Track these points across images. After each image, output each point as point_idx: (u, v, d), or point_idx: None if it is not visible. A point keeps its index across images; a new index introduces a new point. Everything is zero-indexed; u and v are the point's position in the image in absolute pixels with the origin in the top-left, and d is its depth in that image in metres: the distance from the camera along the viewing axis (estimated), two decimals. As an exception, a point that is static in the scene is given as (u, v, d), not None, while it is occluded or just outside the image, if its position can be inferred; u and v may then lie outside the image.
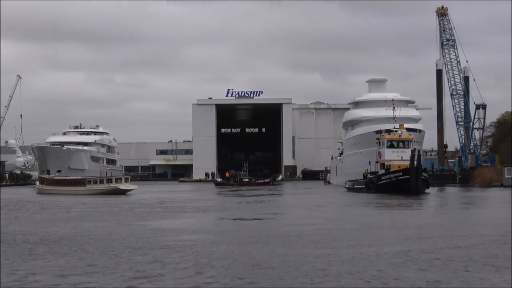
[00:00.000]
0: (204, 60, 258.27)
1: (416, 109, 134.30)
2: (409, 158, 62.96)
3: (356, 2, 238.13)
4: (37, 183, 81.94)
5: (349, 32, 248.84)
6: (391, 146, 67.12)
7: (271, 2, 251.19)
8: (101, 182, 71.66)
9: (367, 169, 72.60)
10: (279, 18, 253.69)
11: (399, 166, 63.91)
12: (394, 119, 77.05)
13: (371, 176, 67.06)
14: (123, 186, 69.71)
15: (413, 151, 63.13)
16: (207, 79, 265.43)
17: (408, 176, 61.24)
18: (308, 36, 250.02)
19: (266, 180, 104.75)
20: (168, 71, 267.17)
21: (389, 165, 65.41)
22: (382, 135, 70.11)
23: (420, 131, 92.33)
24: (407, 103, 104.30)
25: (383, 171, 65.79)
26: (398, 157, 65.72)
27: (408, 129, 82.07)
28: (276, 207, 46.97)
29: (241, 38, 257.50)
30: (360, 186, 69.20)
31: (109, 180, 72.07)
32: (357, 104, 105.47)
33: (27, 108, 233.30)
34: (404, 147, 66.86)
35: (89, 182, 71.64)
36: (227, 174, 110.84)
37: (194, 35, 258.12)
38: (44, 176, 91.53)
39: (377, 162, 68.79)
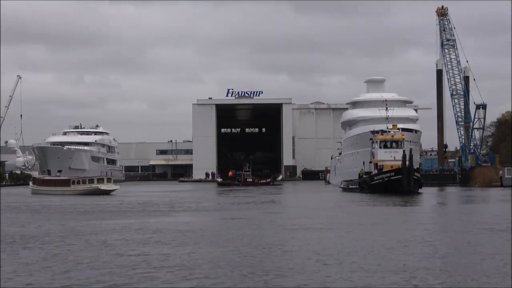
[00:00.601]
0: (172, 60, 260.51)
1: (415, 109, 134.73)
2: (394, 158, 63.77)
3: (309, 2, 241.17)
4: (31, 183, 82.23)
5: (306, 33, 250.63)
6: (384, 146, 67.30)
7: (226, 2, 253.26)
8: (84, 182, 71.23)
9: (362, 169, 72.74)
10: (235, 19, 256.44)
11: (391, 166, 64.02)
12: (387, 119, 77.30)
13: (365, 177, 67.28)
14: (104, 186, 69.25)
15: (404, 151, 63.26)
16: (179, 79, 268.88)
17: (400, 176, 61.27)
18: (269, 37, 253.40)
19: (267, 180, 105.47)
20: (139, 72, 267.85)
21: (382, 165, 65.54)
22: (376, 136, 70.33)
23: (416, 131, 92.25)
24: (405, 103, 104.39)
25: (376, 171, 66.00)
26: (391, 157, 65.87)
27: (404, 129, 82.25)
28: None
29: (203, 39, 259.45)
30: (354, 186, 69.53)
31: (91, 181, 71.48)
32: (354, 104, 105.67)
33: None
34: (397, 147, 66.99)
35: (73, 182, 71.58)
36: (229, 173, 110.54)
37: (157, 36, 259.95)
38: (36, 176, 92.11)
39: (370, 162, 69.00)
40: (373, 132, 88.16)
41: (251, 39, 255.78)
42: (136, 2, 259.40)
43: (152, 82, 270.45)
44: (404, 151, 63.69)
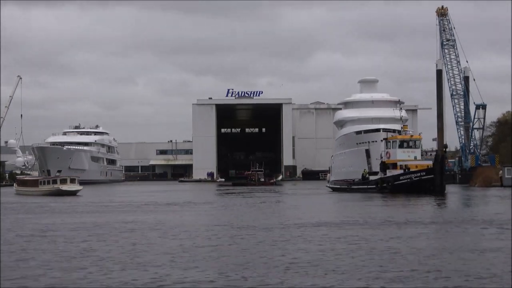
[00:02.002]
0: (96, 63, 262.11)
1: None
2: (417, 158, 63.42)
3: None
4: (15, 184, 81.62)
5: (215, 35, 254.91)
6: (402, 146, 66.77)
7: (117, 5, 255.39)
8: (49, 183, 70.09)
9: (365, 169, 72.34)
10: (135, 23, 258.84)
11: (416, 166, 63.67)
12: (371, 120, 77.36)
13: (385, 176, 65.68)
14: (65, 187, 67.83)
15: (437, 151, 63.06)
16: (114, 81, 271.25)
17: (431, 176, 60.55)
18: (175, 40, 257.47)
19: (274, 180, 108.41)
20: (64, 74, 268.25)
21: (406, 165, 64.70)
22: (393, 135, 69.96)
23: (399, 132, 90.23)
24: (396, 103, 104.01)
25: (395, 171, 65.02)
26: (410, 157, 65.46)
27: (384, 130, 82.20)
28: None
29: (113, 42, 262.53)
30: (345, 186, 68.60)
31: (54, 181, 70.00)
32: (346, 105, 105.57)
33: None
34: (414, 147, 66.76)
35: (41, 183, 70.50)
36: (246, 173, 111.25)
37: (77, 39, 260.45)
38: (18, 177, 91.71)
39: (383, 162, 68.14)
40: (358, 132, 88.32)
41: (156, 42, 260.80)
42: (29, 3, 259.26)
43: (89, 84, 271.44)
44: (437, 150, 63.47)
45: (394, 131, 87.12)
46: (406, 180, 62.54)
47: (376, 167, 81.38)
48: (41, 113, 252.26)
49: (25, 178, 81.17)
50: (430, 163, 66.20)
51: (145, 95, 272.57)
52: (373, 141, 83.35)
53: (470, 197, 58.10)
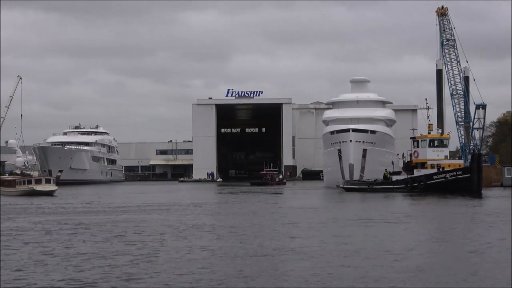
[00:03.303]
0: (27, 65, 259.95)
1: (416, 109, 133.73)
2: (446, 157, 64.29)
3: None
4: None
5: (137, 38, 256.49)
6: (431, 145, 66.56)
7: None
8: (24, 183, 68.85)
9: (387, 169, 71.93)
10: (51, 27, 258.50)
11: (449, 165, 63.56)
12: (351, 120, 77.33)
13: (415, 175, 65.32)
14: (39, 187, 66.78)
15: (474, 150, 63.19)
16: (50, 82, 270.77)
17: (468, 175, 60.34)
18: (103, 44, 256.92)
19: (284, 180, 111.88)
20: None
21: (439, 164, 64.42)
22: (421, 134, 69.78)
23: (373, 131, 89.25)
24: (383, 103, 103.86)
25: (424, 170, 64.80)
26: (439, 156, 65.28)
27: (354, 130, 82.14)
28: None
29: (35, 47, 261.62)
30: (390, 186, 66.47)
31: (29, 182, 68.82)
32: (333, 104, 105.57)
33: None
34: (442, 146, 66.68)
35: (18, 183, 69.21)
36: (262, 173, 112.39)
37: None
38: (2, 177, 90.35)
39: (409, 161, 67.81)
40: (331, 132, 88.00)
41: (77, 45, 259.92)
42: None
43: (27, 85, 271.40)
44: (474, 150, 63.64)
45: (366, 131, 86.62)
46: (440, 179, 61.98)
47: (346, 168, 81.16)
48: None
49: (5, 178, 79.11)
50: (461, 162, 66.37)
51: (90, 96, 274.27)
52: (343, 141, 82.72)
53: None
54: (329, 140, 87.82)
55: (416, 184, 63.69)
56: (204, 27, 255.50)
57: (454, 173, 61.32)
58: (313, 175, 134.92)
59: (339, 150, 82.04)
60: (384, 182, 69.44)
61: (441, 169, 63.41)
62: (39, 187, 66.80)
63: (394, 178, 67.65)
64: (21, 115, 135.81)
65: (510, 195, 56.96)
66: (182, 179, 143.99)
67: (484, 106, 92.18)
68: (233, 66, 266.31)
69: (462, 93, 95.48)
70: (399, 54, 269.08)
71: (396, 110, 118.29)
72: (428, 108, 78.82)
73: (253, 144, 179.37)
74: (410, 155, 68.87)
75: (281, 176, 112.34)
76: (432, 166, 64.48)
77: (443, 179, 61.80)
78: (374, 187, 68.67)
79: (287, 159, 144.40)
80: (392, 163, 76.87)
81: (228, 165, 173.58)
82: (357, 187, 71.25)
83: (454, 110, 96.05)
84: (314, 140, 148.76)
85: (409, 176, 65.85)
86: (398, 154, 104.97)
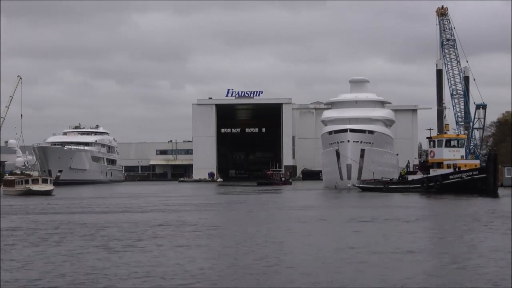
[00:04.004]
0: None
1: (416, 109, 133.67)
2: (462, 157, 64.16)
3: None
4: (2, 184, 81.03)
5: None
6: (448, 145, 66.47)
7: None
8: (22, 183, 69.81)
9: (403, 169, 71.69)
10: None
11: (465, 165, 63.48)
12: (349, 120, 77.18)
13: (431, 175, 65.15)
14: (35, 187, 67.58)
15: (490, 150, 63.10)
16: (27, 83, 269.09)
17: (484, 175, 60.22)
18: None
19: (290, 179, 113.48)
20: None
21: (455, 164, 64.26)
22: (438, 134, 69.67)
23: (372, 132, 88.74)
24: (382, 103, 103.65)
25: (440, 170, 64.69)
26: (455, 156, 65.17)
27: (352, 130, 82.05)
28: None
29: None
30: (406, 186, 66.25)
31: (27, 181, 69.83)
32: (332, 104, 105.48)
33: None
34: (458, 146, 66.65)
35: (17, 183, 70.15)
36: (268, 173, 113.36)
37: None
38: (6, 177, 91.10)
39: (425, 161, 67.67)
40: (330, 132, 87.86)
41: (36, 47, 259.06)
42: None
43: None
44: (489, 149, 63.55)
45: (364, 131, 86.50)
46: (456, 179, 61.79)
47: (344, 168, 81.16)
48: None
49: (6, 178, 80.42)
50: (477, 162, 66.36)
51: (59, 96, 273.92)
52: (341, 142, 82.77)
53: None
54: (327, 140, 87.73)
55: (432, 183, 63.65)
56: (154, 28, 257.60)
57: (470, 173, 61.35)
58: (313, 175, 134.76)
59: (337, 150, 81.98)
60: (400, 181, 69.40)
61: (457, 169, 63.41)
62: (35, 187, 67.40)
63: (410, 177, 67.62)
64: (21, 115, 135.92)
65: (510, 195, 56.95)
66: (182, 179, 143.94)
67: (484, 106, 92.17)
68: (195, 66, 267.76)
69: (462, 93, 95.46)
70: (359, 55, 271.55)
71: (395, 110, 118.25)
72: (444, 108, 78.71)
73: (253, 144, 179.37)
74: (426, 155, 68.92)
75: (287, 176, 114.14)
76: (448, 166, 64.51)
77: (459, 179, 61.76)
78: (390, 186, 68.63)
79: (287, 159, 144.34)
80: (408, 162, 77.02)
81: (228, 165, 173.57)
82: (373, 186, 71.25)
83: (454, 110, 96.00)
84: (314, 140, 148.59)
85: (425, 175, 65.79)
86: (397, 154, 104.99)
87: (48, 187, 68.63)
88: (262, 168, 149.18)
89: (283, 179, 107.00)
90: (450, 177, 62.62)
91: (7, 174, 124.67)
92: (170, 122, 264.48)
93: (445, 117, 77.00)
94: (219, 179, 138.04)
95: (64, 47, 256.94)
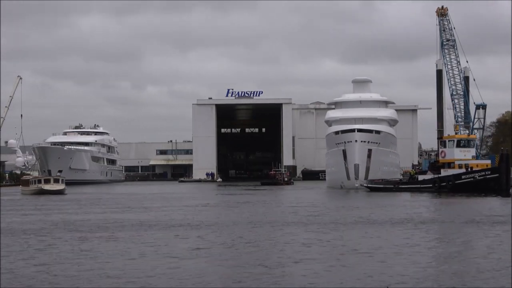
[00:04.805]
0: None
1: (416, 109, 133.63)
2: (473, 157, 64.48)
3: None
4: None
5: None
6: (459, 145, 66.63)
7: None
8: (35, 182, 72.69)
9: (413, 169, 71.76)
10: None
11: (477, 165, 63.57)
12: (354, 120, 77.13)
13: (443, 175, 65.24)
14: (47, 186, 70.28)
15: (502, 150, 63.25)
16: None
17: (497, 175, 60.36)
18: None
19: (292, 179, 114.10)
20: None
21: (466, 164, 64.45)
22: (448, 134, 69.89)
23: (379, 132, 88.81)
24: (386, 103, 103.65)
25: (452, 170, 64.64)
26: (466, 157, 65.41)
27: (359, 130, 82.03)
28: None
29: None
30: (417, 186, 66.33)
31: (39, 181, 72.85)
32: (335, 105, 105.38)
33: None
34: (468, 147, 66.84)
35: (31, 182, 73.20)
36: (271, 173, 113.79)
37: None
38: (23, 177, 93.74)
39: (436, 161, 67.75)
40: (336, 132, 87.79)
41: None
42: None
43: None
44: (502, 149, 63.77)
45: (371, 131, 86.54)
46: (469, 179, 61.96)
47: (351, 168, 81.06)
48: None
49: (24, 178, 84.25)
50: (489, 162, 66.53)
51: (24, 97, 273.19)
52: (348, 142, 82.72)
53: None
54: (333, 141, 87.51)
55: (444, 183, 63.77)
56: (96, 30, 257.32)
57: (483, 173, 61.53)
58: (313, 175, 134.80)
59: (344, 150, 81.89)
60: (410, 181, 69.49)
61: (469, 169, 63.50)
62: (47, 186, 70.10)
63: (421, 177, 67.68)
64: (21, 115, 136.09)
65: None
66: (182, 179, 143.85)
67: (484, 106, 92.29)
68: (151, 67, 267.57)
69: (462, 93, 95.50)
70: (311, 56, 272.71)
71: (396, 110, 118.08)
72: (453, 107, 78.93)
73: (253, 144, 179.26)
74: (436, 155, 68.99)
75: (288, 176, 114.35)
76: (460, 166, 64.70)
77: (472, 179, 61.89)
78: (400, 186, 68.79)
79: (287, 159, 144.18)
80: (419, 163, 77.00)
81: (228, 165, 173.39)
82: (382, 186, 71.28)
83: (454, 110, 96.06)
84: (314, 140, 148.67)
85: (436, 176, 65.89)
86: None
87: (60, 186, 71.35)
88: (262, 168, 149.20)
89: (286, 179, 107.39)
90: (463, 177, 62.89)
91: (7, 174, 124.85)
92: (143, 122, 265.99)
93: (456, 120, 77.10)
94: (219, 179, 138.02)
95: (14, 48, 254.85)
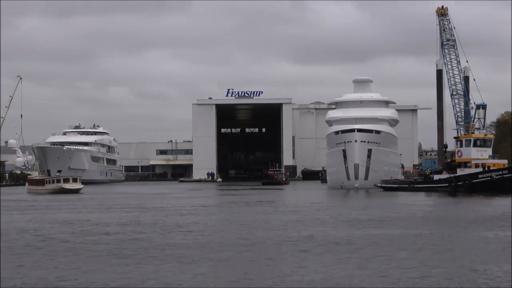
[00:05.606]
0: None
1: (416, 109, 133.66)
2: (489, 157, 64.72)
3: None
4: (27, 183, 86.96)
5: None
6: (476, 144, 66.50)
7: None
8: (53, 182, 76.03)
9: (428, 169, 71.74)
10: None
11: (494, 165, 63.46)
12: (355, 120, 77.08)
13: (459, 174, 65.19)
14: (67, 185, 73.86)
15: None
16: None
17: None
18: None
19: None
20: None
21: (484, 163, 64.38)
22: (465, 134, 69.81)
23: (379, 132, 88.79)
24: (387, 103, 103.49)
25: (468, 170, 64.55)
26: (483, 156, 65.36)
27: (359, 130, 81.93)
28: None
29: None
30: (433, 185, 66.40)
31: (58, 181, 76.30)
32: (336, 104, 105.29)
33: None
34: (485, 146, 66.76)
35: (47, 182, 76.60)
36: (270, 173, 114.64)
37: None
38: (29, 177, 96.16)
39: (451, 160, 67.61)
40: (336, 132, 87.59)
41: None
42: None
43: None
44: None
45: (371, 131, 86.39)
46: (486, 179, 61.93)
47: (351, 168, 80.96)
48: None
49: (34, 178, 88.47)
50: (505, 162, 66.51)
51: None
52: (348, 142, 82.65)
53: None
54: (333, 140, 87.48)
55: (461, 183, 63.66)
56: (39, 31, 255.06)
57: (500, 173, 61.48)
58: (313, 175, 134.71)
59: (344, 150, 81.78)
60: (425, 181, 69.38)
61: (486, 169, 63.27)
62: (67, 186, 73.72)
63: (436, 177, 67.51)
64: (21, 115, 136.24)
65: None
66: (182, 179, 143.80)
67: (484, 106, 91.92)
68: (107, 67, 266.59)
69: (462, 93, 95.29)
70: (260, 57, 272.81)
71: (396, 110, 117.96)
72: (472, 107, 79.01)
73: (253, 144, 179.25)
74: (452, 154, 68.95)
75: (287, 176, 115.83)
76: (476, 166, 64.59)
77: (489, 178, 61.79)
78: (415, 186, 68.72)
79: (287, 159, 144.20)
80: (435, 162, 76.93)
81: (228, 165, 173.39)
82: (397, 186, 71.18)
83: (454, 110, 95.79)
84: (314, 140, 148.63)
85: (452, 175, 65.62)
86: (401, 154, 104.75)
87: (78, 185, 75.65)
88: (262, 168, 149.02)
89: (284, 179, 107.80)
90: (479, 176, 62.85)
91: (7, 174, 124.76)
92: (120, 123, 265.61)
93: (473, 119, 76.69)
94: (219, 179, 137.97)
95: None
